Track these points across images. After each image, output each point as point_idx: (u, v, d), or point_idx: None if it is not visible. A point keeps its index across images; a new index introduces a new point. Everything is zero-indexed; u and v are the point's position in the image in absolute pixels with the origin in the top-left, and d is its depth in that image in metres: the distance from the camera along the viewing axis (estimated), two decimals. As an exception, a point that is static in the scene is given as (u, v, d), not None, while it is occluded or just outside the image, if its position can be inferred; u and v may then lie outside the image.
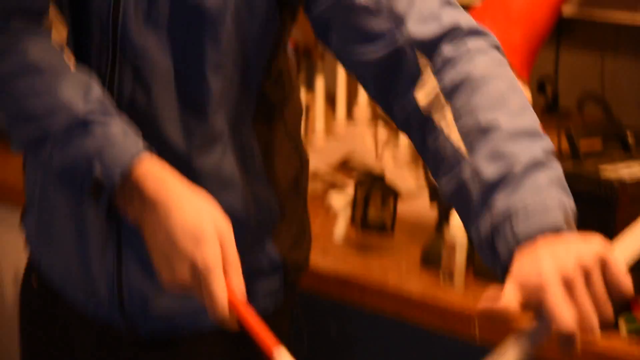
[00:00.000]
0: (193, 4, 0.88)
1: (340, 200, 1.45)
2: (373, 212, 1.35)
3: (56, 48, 0.88)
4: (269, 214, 0.98)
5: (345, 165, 1.67)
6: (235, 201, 0.93)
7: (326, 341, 1.33)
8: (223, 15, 0.87)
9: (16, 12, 0.90)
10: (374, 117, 1.61)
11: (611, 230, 0.99)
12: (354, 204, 1.41)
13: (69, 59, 0.88)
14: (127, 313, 0.94)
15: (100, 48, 0.91)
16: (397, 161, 1.61)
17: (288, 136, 1.04)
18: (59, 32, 0.90)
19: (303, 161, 1.07)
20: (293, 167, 1.04)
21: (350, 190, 1.44)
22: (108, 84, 0.90)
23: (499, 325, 0.67)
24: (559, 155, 1.13)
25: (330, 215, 1.48)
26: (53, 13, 0.89)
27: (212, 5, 0.86)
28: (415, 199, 1.52)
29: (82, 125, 0.83)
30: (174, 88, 0.93)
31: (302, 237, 1.08)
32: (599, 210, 1.11)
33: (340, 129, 1.69)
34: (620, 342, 1.08)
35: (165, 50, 0.91)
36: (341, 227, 1.41)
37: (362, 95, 1.63)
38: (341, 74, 1.67)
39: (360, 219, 1.39)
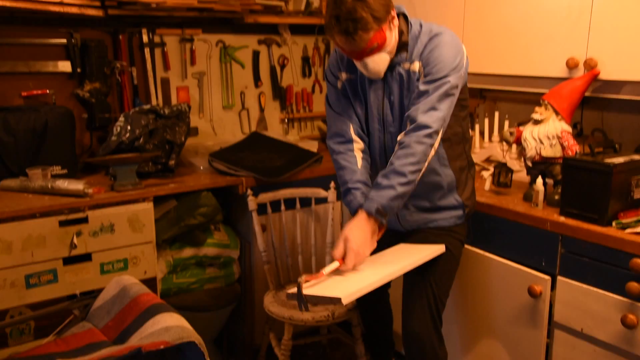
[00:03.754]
0: (403, 105, 1.74)
1: (487, 173, 2.27)
2: (502, 178, 2.17)
3: (354, 154, 1.81)
4: (450, 182, 1.82)
5: (488, 159, 2.57)
6: (438, 179, 1.80)
7: (482, 232, 2.19)
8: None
9: (335, 137, 1.91)
10: (500, 140, 2.46)
11: (608, 187, 1.81)
12: (494, 175, 2.19)
13: (359, 159, 1.81)
14: (401, 223, 1.85)
15: (378, 126, 1.81)
16: (511, 157, 2.43)
17: (465, 152, 1.86)
18: (358, 144, 1.83)
19: (469, 160, 1.92)
20: (463, 162, 1.85)
21: (491, 169, 2.23)
22: (382, 143, 1.82)
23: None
24: (587, 154, 1.92)
25: (482, 179, 2.36)
26: (355, 137, 1.84)
27: (408, 103, 1.74)
28: (519, 173, 2.33)
29: (347, 190, 1.81)
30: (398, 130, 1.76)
31: (472, 193, 1.93)
32: (604, 177, 1.83)
33: (486, 144, 2.59)
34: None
35: (399, 123, 1.76)
36: (487, 184, 2.30)
37: (495, 130, 2.53)
38: (486, 122, 2.58)
39: (497, 181, 2.18)
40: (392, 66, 1.77)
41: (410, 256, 1.77)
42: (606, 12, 2.02)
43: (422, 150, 1.68)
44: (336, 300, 1.48)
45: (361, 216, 1.69)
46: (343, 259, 1.67)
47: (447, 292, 1.95)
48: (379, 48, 1.68)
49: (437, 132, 1.70)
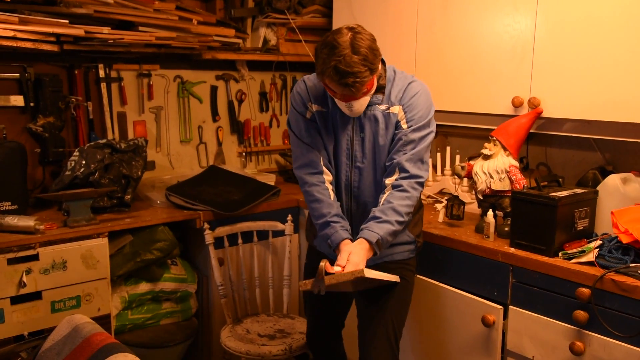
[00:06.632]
0: (377, 144, 1.76)
1: (440, 206, 2.27)
2: (455, 211, 2.19)
3: (326, 186, 1.81)
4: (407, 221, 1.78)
5: (441, 191, 2.59)
6: None
7: (436, 263, 2.18)
8: (386, 146, 1.75)
9: (306, 168, 1.84)
10: (452, 174, 2.48)
11: (554, 219, 1.83)
12: (447, 207, 2.21)
13: (331, 191, 1.81)
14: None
15: (346, 160, 1.81)
16: (463, 189, 2.47)
17: (419, 196, 1.86)
18: (328, 176, 1.82)
19: (420, 202, 1.95)
20: (417, 204, 1.88)
21: (444, 202, 2.25)
22: (349, 177, 1.82)
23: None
24: (534, 188, 1.92)
25: (436, 212, 2.34)
26: (325, 169, 1.82)
27: (384, 143, 1.75)
28: (471, 205, 2.34)
29: (327, 223, 1.77)
30: (372, 178, 1.81)
31: (421, 231, 1.96)
32: (550, 210, 1.85)
33: (439, 177, 2.63)
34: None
35: (370, 160, 1.78)
36: (441, 216, 2.32)
37: (447, 164, 2.58)
38: (438, 156, 2.63)
39: (450, 213, 2.20)
40: (367, 106, 1.79)
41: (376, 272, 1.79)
42: (547, 55, 2.09)
43: (416, 196, 1.79)
44: (358, 273, 1.59)
45: (363, 243, 1.72)
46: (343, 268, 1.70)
47: (404, 320, 1.95)
48: (366, 93, 1.73)
49: (425, 182, 1.84)
